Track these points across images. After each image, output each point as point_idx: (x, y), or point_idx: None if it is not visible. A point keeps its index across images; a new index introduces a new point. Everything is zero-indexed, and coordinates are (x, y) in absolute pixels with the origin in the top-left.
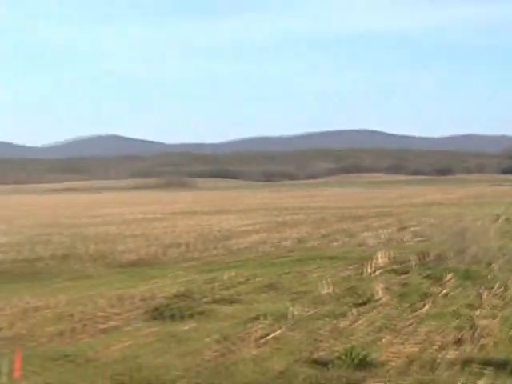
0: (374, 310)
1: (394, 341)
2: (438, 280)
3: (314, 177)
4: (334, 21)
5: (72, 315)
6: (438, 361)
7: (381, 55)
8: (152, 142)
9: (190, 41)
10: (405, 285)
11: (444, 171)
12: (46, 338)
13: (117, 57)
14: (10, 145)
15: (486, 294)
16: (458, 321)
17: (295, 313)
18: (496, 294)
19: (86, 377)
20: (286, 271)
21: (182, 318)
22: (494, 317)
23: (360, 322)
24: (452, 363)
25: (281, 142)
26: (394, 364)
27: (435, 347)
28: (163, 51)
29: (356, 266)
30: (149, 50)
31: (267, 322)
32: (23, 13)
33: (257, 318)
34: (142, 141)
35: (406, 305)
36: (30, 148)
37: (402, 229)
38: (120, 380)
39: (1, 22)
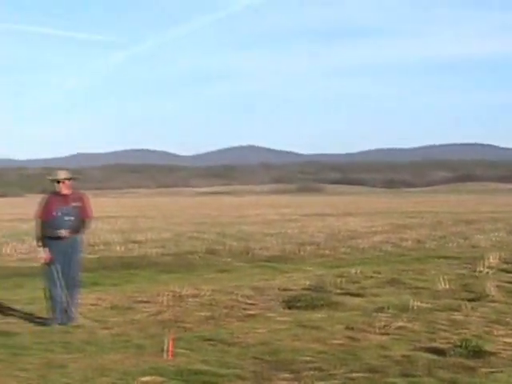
0: (486, 305)
1: (505, 333)
2: None
3: (430, 184)
4: (452, 46)
5: (217, 303)
6: None
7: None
8: (288, 153)
9: (318, 62)
10: None
11: None
12: (195, 323)
13: (254, 77)
14: (165, 153)
15: None
16: None
17: (415, 306)
18: None
19: (231, 357)
20: (406, 268)
21: (314, 307)
22: None
23: (473, 315)
24: None
25: (401, 153)
26: (504, 354)
27: None
28: (294, 72)
29: (469, 265)
30: (282, 71)
31: (390, 313)
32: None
33: (380, 309)
34: (280, 151)
35: None
36: (181, 157)
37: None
38: (260, 360)
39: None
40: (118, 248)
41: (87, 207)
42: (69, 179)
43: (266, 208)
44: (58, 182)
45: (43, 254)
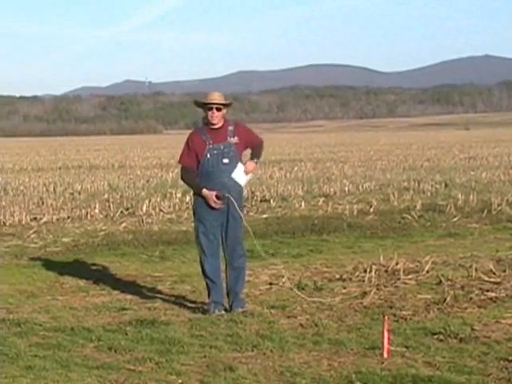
0: None
1: None
2: None
3: None
4: None
5: (444, 282)
6: None
7: None
8: None
9: None
10: None
11: None
12: (414, 310)
13: None
14: (362, 70)
15: None
16: None
17: None
18: None
19: (466, 358)
20: None
21: None
22: None
23: None
24: None
25: None
26: None
27: None
28: None
29: None
30: None
31: None
32: None
33: None
34: None
35: None
36: (384, 74)
37: None
38: (510, 363)
39: None
40: (299, 204)
41: (251, 134)
42: (224, 105)
43: (500, 146)
44: (210, 108)
45: (211, 199)
